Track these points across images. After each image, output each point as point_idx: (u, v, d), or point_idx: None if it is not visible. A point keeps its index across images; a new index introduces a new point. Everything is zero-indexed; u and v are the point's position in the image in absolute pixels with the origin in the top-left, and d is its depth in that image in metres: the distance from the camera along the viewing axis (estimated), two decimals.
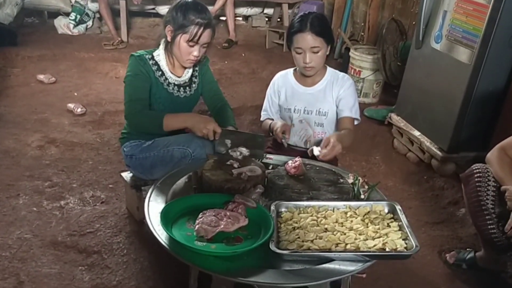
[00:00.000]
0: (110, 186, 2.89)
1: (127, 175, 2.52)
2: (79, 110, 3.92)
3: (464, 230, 2.67)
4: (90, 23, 6.24)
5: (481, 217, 2.07)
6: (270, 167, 2.16)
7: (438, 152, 3.24)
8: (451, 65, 3.13)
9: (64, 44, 5.64)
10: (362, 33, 5.59)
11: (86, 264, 2.22)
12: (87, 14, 6.18)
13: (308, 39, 2.21)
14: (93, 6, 6.17)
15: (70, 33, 6.04)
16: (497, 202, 2.06)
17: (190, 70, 2.37)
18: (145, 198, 1.89)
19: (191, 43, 2.18)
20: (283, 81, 2.48)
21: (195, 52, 2.20)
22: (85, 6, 6.14)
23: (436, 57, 3.27)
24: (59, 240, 2.38)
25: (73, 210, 2.64)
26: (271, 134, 2.40)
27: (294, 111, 2.43)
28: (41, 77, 4.56)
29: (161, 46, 2.30)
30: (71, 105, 3.96)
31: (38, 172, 3.00)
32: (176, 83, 2.33)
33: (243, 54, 5.86)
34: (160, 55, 2.29)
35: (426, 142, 3.36)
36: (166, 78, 2.30)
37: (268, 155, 2.27)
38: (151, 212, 1.76)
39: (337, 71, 2.46)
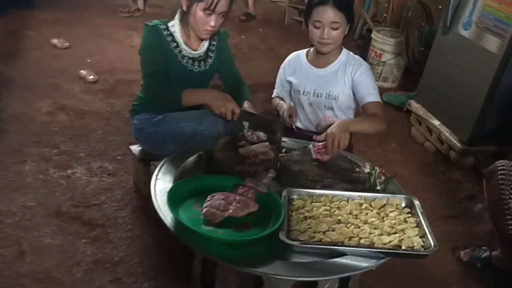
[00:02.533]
0: (118, 158, 2.83)
1: (135, 148, 2.45)
2: (91, 77, 3.84)
3: (480, 227, 2.58)
4: None
5: (502, 216, 1.97)
6: (283, 151, 2.08)
7: (458, 144, 3.12)
8: (479, 54, 2.98)
9: (80, 8, 5.54)
10: (385, 15, 5.39)
11: (89, 237, 2.17)
12: None
13: (329, 13, 2.08)
14: None
15: None
16: None
17: (206, 44, 2.27)
18: (153, 173, 1.83)
19: (207, 12, 2.07)
20: (295, 61, 2.38)
21: (212, 21, 2.10)
22: None
23: (463, 45, 3.13)
24: (63, 210, 2.33)
25: (79, 180, 2.58)
26: (278, 116, 2.34)
27: (304, 93, 2.32)
28: (54, 41, 4.47)
29: (177, 17, 2.19)
30: (83, 72, 3.88)
31: (46, 138, 2.94)
32: (190, 56, 2.22)
33: (261, 30, 5.72)
34: (175, 25, 2.19)
35: (446, 132, 3.24)
36: (180, 51, 2.20)
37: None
38: (157, 191, 1.70)
39: (350, 52, 2.32)
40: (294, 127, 2.21)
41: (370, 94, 2.23)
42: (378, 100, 2.24)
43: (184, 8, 2.13)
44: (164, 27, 2.18)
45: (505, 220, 1.95)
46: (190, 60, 2.23)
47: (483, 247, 2.30)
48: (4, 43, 4.32)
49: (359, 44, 5.20)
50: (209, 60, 2.30)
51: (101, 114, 3.34)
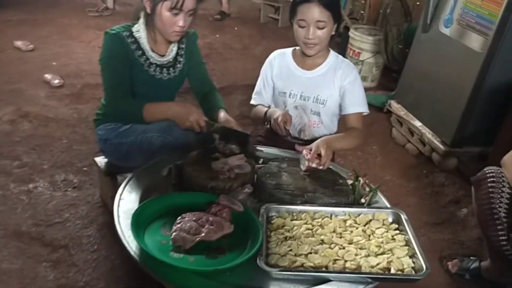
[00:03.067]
0: (84, 169, 2.64)
1: (101, 160, 2.27)
2: (56, 81, 3.63)
3: (466, 233, 2.48)
4: None
5: (492, 226, 1.86)
6: (260, 161, 1.93)
7: (440, 146, 3.03)
8: (461, 53, 2.88)
9: (47, 8, 5.33)
10: (362, 12, 5.29)
11: (51, 260, 2.00)
12: None
13: (314, 11, 1.93)
14: None
15: None
16: (510, 211, 1.86)
17: (175, 48, 2.09)
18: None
19: (174, 11, 1.89)
20: (280, 60, 2.18)
21: (180, 21, 1.92)
22: None
23: (444, 43, 3.02)
24: (23, 230, 2.14)
25: (41, 195, 2.39)
26: (266, 124, 2.12)
27: (290, 96, 2.16)
28: (18, 43, 4.25)
29: (141, 20, 2.01)
30: (48, 76, 3.67)
31: (7, 150, 2.74)
32: (158, 63, 2.05)
33: (236, 28, 5.56)
34: (140, 30, 2.00)
35: (428, 134, 3.14)
36: (147, 59, 2.02)
37: (258, 147, 2.04)
38: (121, 213, 1.53)
39: (339, 55, 2.19)
40: (289, 135, 2.01)
41: (356, 104, 2.11)
42: (362, 111, 2.14)
43: (148, 10, 1.94)
44: (128, 33, 1.99)
45: (495, 231, 1.84)
46: (158, 68, 2.05)
47: (471, 257, 2.20)
48: None
49: (337, 42, 5.09)
50: (178, 66, 2.12)
51: (67, 121, 3.15)
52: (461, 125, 2.93)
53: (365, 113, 2.17)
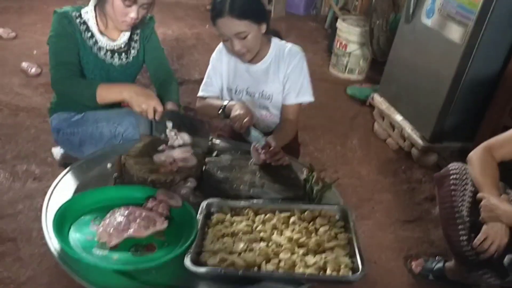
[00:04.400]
0: (49, 159, 2.58)
1: (57, 151, 2.20)
2: (33, 70, 3.57)
3: (438, 232, 2.38)
4: None
5: (453, 226, 1.78)
6: (214, 154, 1.85)
7: (419, 141, 2.93)
8: (441, 44, 2.78)
9: None
10: (356, 3, 5.18)
11: None
12: None
13: (229, 25, 1.79)
14: None
15: None
16: (473, 210, 1.76)
17: (128, 33, 2.00)
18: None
19: (127, 2, 1.81)
20: (227, 53, 2.03)
21: (133, 13, 1.84)
22: None
23: (425, 34, 2.92)
24: None
25: None
26: (222, 117, 1.95)
27: (236, 92, 2.06)
28: (0, 31, 4.18)
29: (91, 2, 1.93)
30: (25, 64, 3.61)
31: None
32: (108, 47, 1.96)
33: None
34: (88, 12, 1.92)
35: (408, 128, 3.04)
36: (96, 42, 1.93)
37: (214, 140, 1.96)
38: (51, 206, 1.46)
39: (284, 42, 2.03)
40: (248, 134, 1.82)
41: (293, 95, 2.01)
42: (299, 102, 2.03)
43: None
44: (77, 14, 1.91)
45: (456, 231, 1.75)
46: (109, 52, 1.97)
47: (437, 257, 2.11)
48: None
49: (329, 34, 4.98)
50: (132, 51, 2.04)
51: (38, 110, 3.08)
52: (440, 119, 2.83)
53: (305, 103, 2.05)
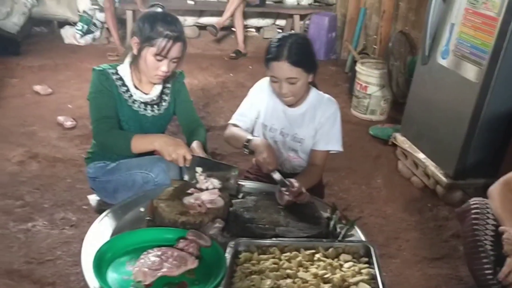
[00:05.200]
0: (84, 207, 2.71)
1: (93, 198, 2.33)
2: (69, 123, 3.78)
3: (466, 269, 2.31)
4: (97, 33, 6.15)
5: (477, 260, 1.80)
6: (240, 196, 1.94)
7: (443, 178, 2.96)
8: (458, 83, 2.86)
9: (68, 54, 5.56)
10: (374, 46, 5.33)
11: None
12: (94, 24, 6.09)
13: (284, 69, 1.95)
14: (101, 16, 6.06)
15: (76, 43, 5.98)
16: (496, 244, 1.79)
17: (160, 87, 2.16)
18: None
19: (158, 58, 1.98)
20: (269, 91, 2.16)
21: (164, 67, 2.00)
22: (92, 16, 6.06)
23: (442, 74, 3.01)
24: (15, 268, 2.20)
25: (38, 234, 2.46)
26: (245, 151, 2.04)
27: (270, 130, 2.18)
28: (37, 88, 4.45)
29: (127, 60, 2.11)
30: (61, 118, 3.82)
31: (11, 190, 2.84)
32: (142, 100, 2.12)
33: (250, 67, 5.66)
34: (125, 69, 2.10)
35: (431, 166, 3.08)
36: (131, 95, 2.10)
37: (240, 182, 2.05)
38: (89, 249, 1.56)
39: (322, 93, 2.18)
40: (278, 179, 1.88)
41: (324, 142, 2.13)
42: (329, 149, 2.14)
43: (135, 51, 2.04)
44: (113, 71, 2.09)
45: (480, 264, 1.78)
46: (142, 105, 2.13)
47: None
48: None
49: (349, 77, 5.11)
50: (164, 104, 2.19)
51: (74, 161, 3.25)
52: (462, 156, 2.87)
53: (333, 151, 2.16)
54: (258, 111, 2.20)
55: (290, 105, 2.13)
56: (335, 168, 3.36)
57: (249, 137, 2.03)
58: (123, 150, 2.01)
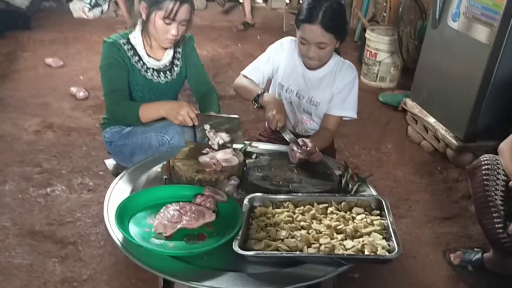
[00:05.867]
0: (100, 173, 2.78)
1: (110, 162, 2.39)
2: (81, 94, 3.83)
3: (476, 227, 2.41)
4: (105, 6, 6.15)
5: (487, 214, 1.84)
6: (254, 156, 1.98)
7: (454, 141, 2.98)
8: (468, 46, 2.85)
9: (78, 27, 5.58)
10: (384, 14, 5.28)
11: (59, 255, 2.12)
12: None
13: (316, 33, 1.92)
14: None
15: (85, 16, 5.98)
16: (506, 198, 1.83)
17: (171, 52, 2.19)
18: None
19: (167, 21, 2.00)
20: (290, 49, 2.16)
21: (173, 30, 2.02)
22: None
23: (453, 37, 3.00)
24: (37, 229, 2.28)
25: (58, 198, 2.54)
26: (254, 105, 2.09)
27: (286, 91, 2.19)
28: (49, 60, 4.50)
29: (138, 27, 2.13)
30: (73, 89, 3.88)
31: (29, 157, 2.91)
32: (155, 67, 2.15)
33: (259, 37, 5.65)
34: (136, 37, 2.12)
35: (441, 130, 3.10)
36: (144, 63, 2.12)
37: (253, 143, 2.09)
38: (111, 204, 1.62)
39: (342, 59, 2.17)
40: (280, 131, 1.95)
41: (340, 108, 2.14)
42: (344, 115, 2.15)
43: (143, 17, 2.06)
44: (125, 40, 2.11)
45: (491, 219, 1.82)
46: (156, 72, 2.16)
47: (475, 249, 2.16)
48: None
49: (358, 46, 5.09)
50: (176, 69, 2.22)
51: (88, 130, 3.31)
52: (472, 118, 2.88)
53: (347, 118, 2.18)
54: (274, 68, 2.20)
55: (310, 68, 2.14)
56: (345, 134, 3.39)
57: (260, 91, 2.05)
58: (133, 121, 2.07)
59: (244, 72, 2.21)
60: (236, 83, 2.21)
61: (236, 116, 1.99)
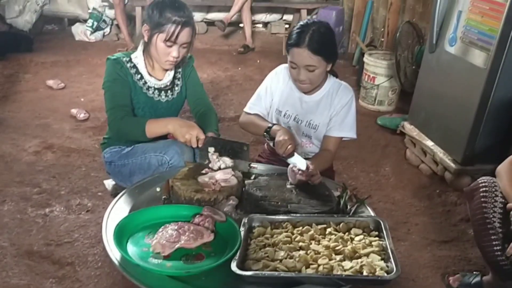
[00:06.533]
0: (99, 194, 2.78)
1: (109, 183, 2.40)
2: (82, 115, 3.84)
3: (475, 251, 2.40)
4: (107, 30, 6.22)
5: (486, 236, 1.84)
6: (253, 177, 1.99)
7: (452, 164, 2.99)
8: (465, 70, 2.89)
9: (80, 50, 5.63)
10: (382, 39, 5.36)
11: (57, 276, 2.10)
12: (104, 21, 6.16)
13: (303, 56, 1.97)
14: (111, 13, 6.14)
15: (87, 39, 6.05)
16: (504, 221, 1.83)
17: (172, 72, 2.22)
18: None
19: (168, 43, 2.03)
20: (285, 76, 2.20)
21: (174, 52, 2.06)
22: (102, 13, 6.14)
23: (450, 61, 3.04)
24: (34, 249, 2.27)
25: (56, 219, 2.53)
26: (266, 138, 2.13)
27: (285, 116, 2.22)
28: (50, 82, 4.53)
29: (140, 48, 2.17)
30: (74, 111, 3.89)
31: (29, 178, 2.91)
32: (156, 86, 2.18)
33: (258, 61, 5.70)
34: (138, 57, 2.16)
35: (439, 153, 3.11)
36: (145, 82, 2.16)
37: (252, 164, 2.11)
38: (109, 224, 1.62)
39: (338, 81, 2.21)
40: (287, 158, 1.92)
41: (339, 129, 2.16)
42: (343, 136, 2.17)
43: (146, 38, 2.10)
44: (127, 59, 2.15)
45: (489, 241, 1.81)
46: (156, 91, 2.19)
47: (474, 272, 2.15)
48: (0, 87, 4.38)
49: (356, 70, 5.14)
50: (176, 88, 2.25)
51: (88, 151, 3.31)
52: (470, 142, 2.89)
53: (346, 138, 2.20)
54: (272, 97, 2.24)
55: (306, 92, 2.17)
56: (344, 157, 3.40)
57: (270, 124, 2.09)
58: (138, 136, 2.08)
59: (246, 109, 2.26)
60: (243, 121, 2.26)
61: (246, 142, 2.00)
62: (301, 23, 2.05)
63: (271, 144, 2.09)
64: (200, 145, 1.97)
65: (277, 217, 1.67)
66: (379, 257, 1.47)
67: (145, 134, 2.04)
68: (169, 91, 2.22)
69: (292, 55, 2.01)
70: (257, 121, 2.19)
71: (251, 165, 2.09)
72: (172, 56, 2.06)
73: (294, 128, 2.21)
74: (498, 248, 1.80)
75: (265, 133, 2.10)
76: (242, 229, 1.59)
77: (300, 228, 1.63)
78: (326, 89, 2.17)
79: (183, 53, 2.10)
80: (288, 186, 1.87)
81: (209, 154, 1.94)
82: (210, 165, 1.92)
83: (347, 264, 1.44)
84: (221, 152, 1.96)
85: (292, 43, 2.00)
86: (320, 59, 1.99)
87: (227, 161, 1.94)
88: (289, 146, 1.90)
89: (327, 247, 1.53)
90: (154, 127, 2.05)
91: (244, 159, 1.98)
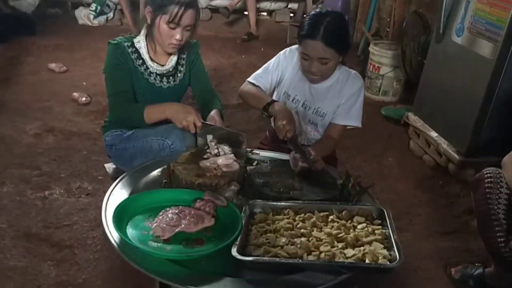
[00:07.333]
0: (100, 177, 2.76)
1: (110, 166, 2.37)
2: (83, 99, 3.82)
3: (477, 242, 2.38)
4: (110, 14, 6.18)
5: (490, 228, 1.82)
6: (255, 163, 1.96)
7: (456, 156, 2.97)
8: (472, 61, 2.85)
9: (82, 34, 5.60)
10: (388, 29, 5.30)
11: (55, 259, 2.09)
12: (107, 5, 6.12)
13: (317, 48, 1.90)
14: None
15: (90, 24, 6.01)
16: (509, 212, 1.80)
17: (175, 58, 2.18)
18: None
19: (172, 25, 1.99)
20: (297, 61, 2.10)
21: (177, 35, 2.01)
22: None
23: (457, 52, 3.00)
24: (33, 232, 2.26)
25: (55, 201, 2.52)
26: (264, 114, 2.03)
27: (293, 101, 2.16)
28: (52, 65, 4.50)
29: (142, 32, 2.13)
30: (76, 94, 3.87)
31: (29, 160, 2.90)
32: (158, 72, 2.14)
33: (262, 49, 5.66)
34: (140, 41, 2.12)
35: (443, 144, 3.09)
36: (147, 67, 2.12)
37: (254, 150, 2.08)
38: (109, 207, 1.60)
39: (348, 69, 2.15)
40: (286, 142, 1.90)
41: (345, 117, 2.12)
42: (348, 124, 2.13)
43: (148, 21, 2.06)
44: (129, 43, 2.11)
45: (493, 232, 1.79)
46: (158, 77, 2.15)
47: (476, 264, 2.13)
48: (2, 69, 4.36)
49: (361, 60, 5.10)
50: (179, 75, 2.21)
51: (89, 135, 3.30)
52: (475, 133, 2.87)
53: (351, 126, 2.16)
54: (282, 75, 2.16)
55: (311, 83, 2.12)
56: (347, 147, 3.36)
57: (270, 100, 2.01)
58: (137, 122, 2.06)
59: (250, 79, 2.17)
60: (243, 90, 2.17)
61: (243, 133, 1.96)
62: (314, 13, 1.97)
63: (271, 124, 2.04)
64: (198, 131, 1.94)
65: (279, 203, 1.64)
66: (382, 246, 1.45)
67: (144, 120, 2.02)
68: (171, 77, 2.19)
69: (305, 47, 1.94)
70: (259, 93, 2.10)
71: (254, 151, 2.06)
72: (175, 39, 2.02)
73: (301, 114, 2.16)
74: (502, 239, 1.77)
75: (263, 109, 2.01)
76: (243, 215, 1.57)
77: (302, 215, 1.60)
78: (335, 76, 2.11)
79: (186, 36, 2.06)
80: (291, 174, 1.83)
81: (208, 141, 1.91)
82: (208, 151, 1.89)
83: (349, 251, 1.42)
84: (219, 140, 1.93)
85: (305, 34, 1.93)
86: (333, 52, 1.93)
87: (226, 149, 1.90)
88: (288, 132, 1.86)
89: (329, 235, 1.50)
90: (152, 113, 2.02)
91: (241, 147, 1.95)
